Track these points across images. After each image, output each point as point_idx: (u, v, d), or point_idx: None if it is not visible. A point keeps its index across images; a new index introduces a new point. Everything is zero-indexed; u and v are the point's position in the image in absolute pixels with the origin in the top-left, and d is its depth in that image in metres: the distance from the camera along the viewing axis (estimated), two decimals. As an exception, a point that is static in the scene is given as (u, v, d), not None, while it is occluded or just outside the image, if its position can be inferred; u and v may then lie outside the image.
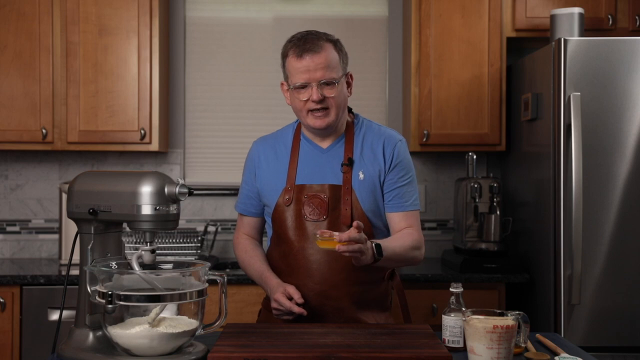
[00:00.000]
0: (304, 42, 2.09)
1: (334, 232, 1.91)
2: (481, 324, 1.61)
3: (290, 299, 2.05)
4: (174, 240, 3.46)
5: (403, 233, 2.16)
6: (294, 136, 2.23)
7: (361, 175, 2.14)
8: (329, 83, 2.08)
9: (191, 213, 3.75)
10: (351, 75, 2.20)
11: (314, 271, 2.12)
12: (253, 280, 2.25)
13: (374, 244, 1.97)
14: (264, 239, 2.35)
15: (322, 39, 2.11)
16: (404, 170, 2.19)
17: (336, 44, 2.14)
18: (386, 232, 2.21)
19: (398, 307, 2.30)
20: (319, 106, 2.09)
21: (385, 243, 2.04)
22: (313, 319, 2.10)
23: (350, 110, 2.26)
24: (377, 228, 2.18)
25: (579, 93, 2.86)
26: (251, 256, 2.24)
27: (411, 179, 2.21)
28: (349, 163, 2.14)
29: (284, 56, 2.14)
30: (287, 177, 2.16)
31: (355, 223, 1.91)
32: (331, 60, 2.09)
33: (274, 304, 2.07)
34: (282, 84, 2.20)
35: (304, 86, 2.09)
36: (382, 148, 2.18)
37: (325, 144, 2.19)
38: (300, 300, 2.04)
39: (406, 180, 2.19)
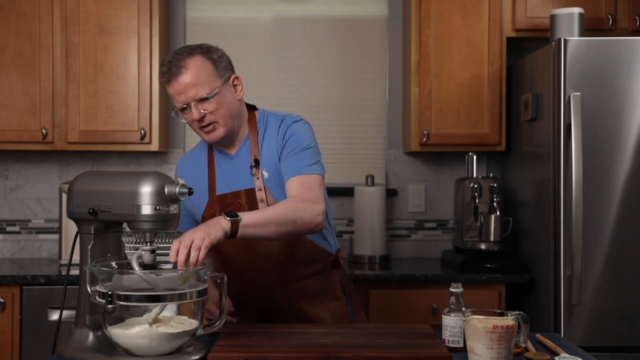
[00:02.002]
0: (169, 66, 2.04)
1: None
2: (481, 324, 1.61)
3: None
4: (174, 241, 3.45)
5: (287, 198, 2.03)
6: (208, 149, 2.22)
7: (265, 174, 2.11)
8: (204, 99, 2.04)
9: (191, 213, 3.75)
10: (236, 77, 2.14)
11: (248, 278, 2.13)
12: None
13: (224, 212, 1.85)
14: None
15: (186, 56, 2.04)
16: (298, 141, 2.09)
17: (207, 53, 2.07)
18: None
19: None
20: (204, 123, 2.06)
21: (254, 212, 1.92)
22: (265, 320, 2.14)
23: (254, 108, 2.23)
24: None
25: (579, 93, 2.86)
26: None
27: (308, 147, 2.09)
28: (256, 164, 2.11)
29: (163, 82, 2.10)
30: (208, 190, 2.16)
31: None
32: (200, 76, 2.03)
33: (206, 314, 2.05)
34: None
35: (184, 108, 2.06)
36: (276, 138, 2.12)
37: (233, 151, 2.17)
38: (230, 309, 2.09)
39: (300, 148, 2.08)
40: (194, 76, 2.02)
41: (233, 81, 2.13)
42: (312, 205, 1.96)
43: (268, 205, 2.06)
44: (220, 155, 2.19)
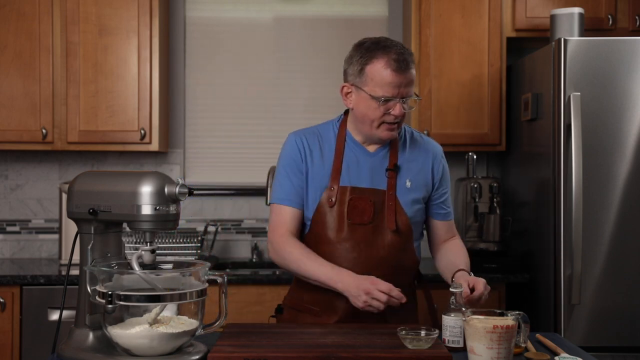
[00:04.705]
0: (402, 56, 2.02)
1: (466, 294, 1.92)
2: (481, 324, 1.61)
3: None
4: (174, 240, 3.46)
5: (458, 246, 2.25)
6: (338, 136, 2.17)
7: (408, 184, 2.14)
8: (408, 98, 2.06)
9: (191, 213, 3.75)
10: None
11: (356, 272, 2.04)
12: (315, 280, 2.07)
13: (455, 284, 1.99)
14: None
15: (410, 54, 2.06)
16: (447, 181, 2.25)
17: None
18: (418, 241, 2.22)
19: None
20: (397, 120, 2.06)
21: (465, 265, 2.14)
22: (350, 319, 2.09)
23: None
24: (415, 238, 2.19)
25: (579, 93, 2.86)
26: (310, 252, 2.09)
27: (449, 188, 2.28)
28: (394, 169, 2.13)
29: (366, 61, 2.04)
30: (330, 177, 2.12)
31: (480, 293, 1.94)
32: (414, 77, 2.08)
33: (376, 293, 1.94)
34: (344, 85, 2.11)
35: (388, 100, 2.03)
36: (431, 162, 2.20)
37: (372, 148, 2.16)
38: (397, 291, 1.98)
39: (448, 190, 2.26)
40: (414, 75, 2.07)
41: None
42: None
43: (396, 211, 2.10)
44: (356, 148, 2.16)
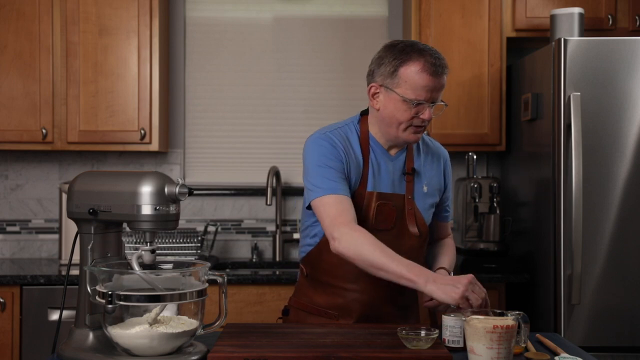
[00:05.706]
0: (439, 60, 2.00)
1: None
2: (481, 324, 1.61)
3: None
4: (174, 240, 3.46)
5: (448, 245, 2.30)
6: (362, 138, 2.13)
7: (425, 188, 2.15)
8: (435, 104, 2.04)
9: (191, 213, 3.75)
10: None
11: (378, 279, 1.97)
12: (391, 272, 1.90)
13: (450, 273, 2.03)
14: (311, 236, 2.18)
15: (444, 59, 2.04)
16: (450, 183, 2.29)
17: None
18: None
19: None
20: (424, 124, 2.05)
21: (449, 265, 2.19)
22: (367, 320, 2.10)
23: None
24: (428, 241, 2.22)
25: (579, 93, 2.86)
26: (382, 245, 1.93)
27: (451, 190, 2.33)
28: (412, 173, 2.13)
29: (401, 63, 2.00)
30: (360, 182, 2.09)
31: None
32: (446, 83, 2.06)
33: (478, 287, 1.84)
34: (372, 86, 2.08)
35: (419, 103, 2.01)
36: (442, 167, 2.23)
37: (392, 152, 2.14)
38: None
39: (451, 192, 2.30)
40: (446, 81, 2.05)
41: None
42: None
43: (415, 215, 2.12)
44: (379, 152, 2.12)
